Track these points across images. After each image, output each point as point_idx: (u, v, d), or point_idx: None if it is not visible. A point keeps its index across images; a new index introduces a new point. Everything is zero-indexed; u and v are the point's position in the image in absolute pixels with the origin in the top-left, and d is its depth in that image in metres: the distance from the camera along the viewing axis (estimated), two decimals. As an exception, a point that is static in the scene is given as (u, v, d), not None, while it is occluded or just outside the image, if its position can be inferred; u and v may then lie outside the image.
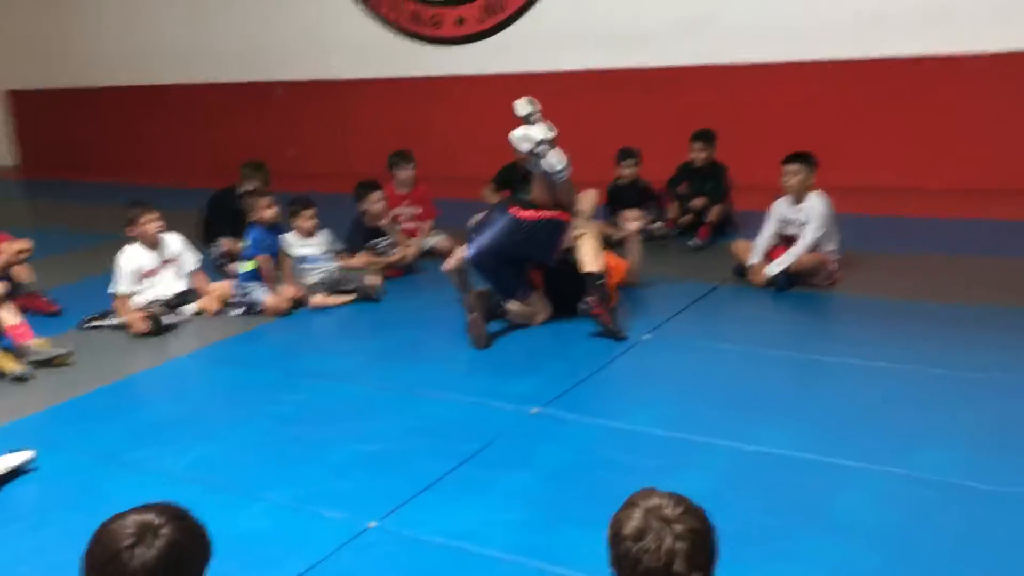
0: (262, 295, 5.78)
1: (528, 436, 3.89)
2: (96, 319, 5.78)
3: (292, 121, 11.26)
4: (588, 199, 5.26)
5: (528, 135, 4.90)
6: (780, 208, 5.86)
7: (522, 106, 5.02)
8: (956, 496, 3.19)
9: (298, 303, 5.87)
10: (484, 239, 5.05)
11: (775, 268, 5.65)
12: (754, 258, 5.80)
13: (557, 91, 9.39)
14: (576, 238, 5.04)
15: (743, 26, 8.59)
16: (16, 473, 3.75)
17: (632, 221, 5.72)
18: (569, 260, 5.10)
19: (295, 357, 5.09)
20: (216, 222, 6.89)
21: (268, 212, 5.82)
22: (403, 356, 4.96)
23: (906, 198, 7.67)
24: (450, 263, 5.62)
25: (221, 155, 10.86)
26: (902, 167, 8.04)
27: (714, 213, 6.96)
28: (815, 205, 5.70)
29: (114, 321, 5.71)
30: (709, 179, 7.12)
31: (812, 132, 8.14)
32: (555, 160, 4.86)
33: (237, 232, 6.33)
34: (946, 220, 7.07)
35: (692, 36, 8.81)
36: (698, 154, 7.10)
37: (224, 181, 7.14)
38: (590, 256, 5.01)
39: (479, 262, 5.11)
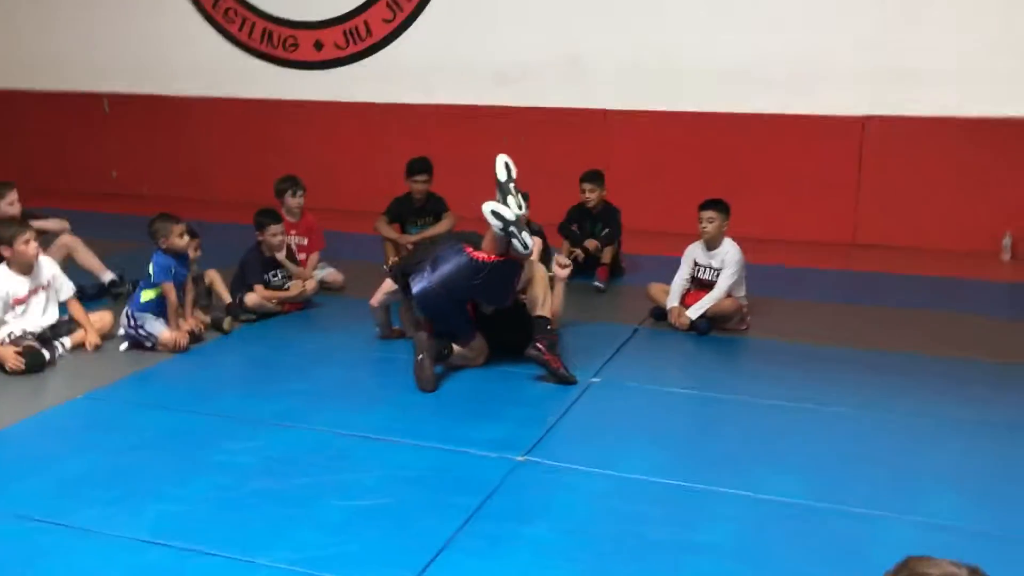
0: (157, 328, 5.20)
1: (528, 487, 3.68)
2: (-50, 353, 4.99)
3: (124, 139, 10.38)
4: (536, 243, 5.13)
5: (500, 215, 4.63)
6: (694, 253, 5.97)
7: (500, 170, 4.80)
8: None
9: (195, 338, 5.34)
10: (435, 277, 4.79)
11: (696, 312, 5.74)
12: (673, 301, 5.86)
13: (417, 123, 9.30)
14: (526, 281, 4.89)
15: (608, 70, 8.78)
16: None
17: (562, 268, 5.61)
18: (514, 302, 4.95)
19: (216, 398, 4.58)
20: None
21: (181, 241, 5.26)
22: (344, 398, 4.59)
23: (771, 248, 8.07)
24: (376, 299, 5.32)
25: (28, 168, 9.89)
26: (769, 219, 8.41)
27: (608, 254, 7.01)
28: (730, 251, 5.84)
29: (-23, 355, 4.96)
30: (600, 220, 7.17)
31: (688, 180, 8.49)
32: (525, 242, 4.67)
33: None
34: (816, 270, 7.48)
35: (562, 77, 8.91)
36: (589, 195, 7.14)
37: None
38: (540, 299, 4.87)
39: (427, 301, 4.84)
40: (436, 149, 7.61)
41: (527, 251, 4.70)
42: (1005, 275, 7.62)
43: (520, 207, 4.75)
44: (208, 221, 7.16)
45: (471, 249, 4.79)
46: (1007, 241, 8.00)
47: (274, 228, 5.87)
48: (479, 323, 5.06)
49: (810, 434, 4.24)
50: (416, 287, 4.83)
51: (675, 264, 7.03)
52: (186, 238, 5.30)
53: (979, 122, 7.92)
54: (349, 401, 4.54)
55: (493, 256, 4.73)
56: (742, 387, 4.84)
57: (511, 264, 4.79)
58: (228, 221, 8.08)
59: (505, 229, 4.62)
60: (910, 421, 4.40)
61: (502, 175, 4.79)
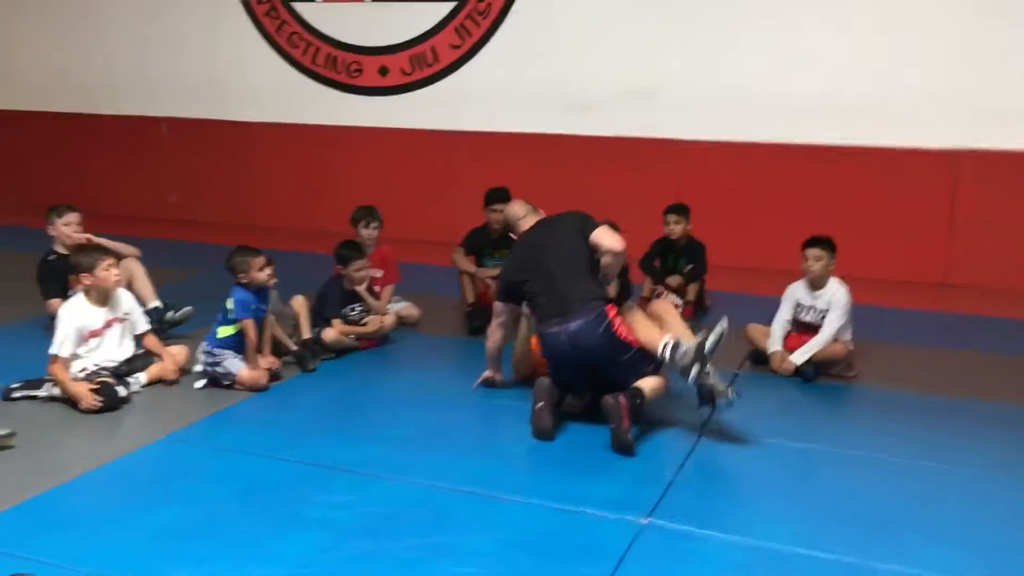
0: (236, 366, 4.92)
1: (658, 555, 3.33)
2: (21, 387, 4.75)
3: (181, 163, 10.22)
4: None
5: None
6: (797, 292, 5.62)
7: (710, 340, 4.34)
8: None
9: (274, 376, 5.06)
10: (566, 330, 4.40)
11: (801, 357, 5.37)
12: (775, 345, 5.50)
13: (484, 151, 9.04)
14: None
15: (681, 100, 8.48)
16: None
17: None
18: None
19: (303, 443, 4.26)
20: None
21: (262, 275, 4.99)
22: (441, 446, 4.27)
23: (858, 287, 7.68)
24: (492, 341, 4.96)
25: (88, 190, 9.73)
26: (856, 256, 8.04)
27: (692, 292, 6.68)
28: (838, 292, 5.48)
29: (48, 392, 4.71)
30: (684, 255, 6.84)
31: (765, 214, 8.16)
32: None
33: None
34: (908, 311, 7.09)
35: (634, 107, 8.62)
36: (674, 227, 6.81)
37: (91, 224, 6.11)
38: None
39: (553, 348, 4.50)
40: (503, 179, 7.28)
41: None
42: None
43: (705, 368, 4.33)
44: (267, 248, 6.90)
45: (614, 314, 4.45)
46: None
47: (359, 263, 5.59)
48: None
49: (955, 497, 3.86)
50: (545, 327, 4.49)
51: (758, 302, 6.72)
52: (267, 271, 5.03)
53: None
54: (447, 450, 4.22)
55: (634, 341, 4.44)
56: (865, 442, 4.45)
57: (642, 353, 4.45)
58: (288, 248, 7.84)
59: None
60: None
61: (709, 344, 4.33)
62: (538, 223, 4.89)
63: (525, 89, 8.91)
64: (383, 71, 9.47)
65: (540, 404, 4.33)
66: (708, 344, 4.31)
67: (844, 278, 5.58)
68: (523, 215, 5.03)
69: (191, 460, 4.07)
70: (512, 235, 6.09)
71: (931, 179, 7.94)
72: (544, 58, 8.80)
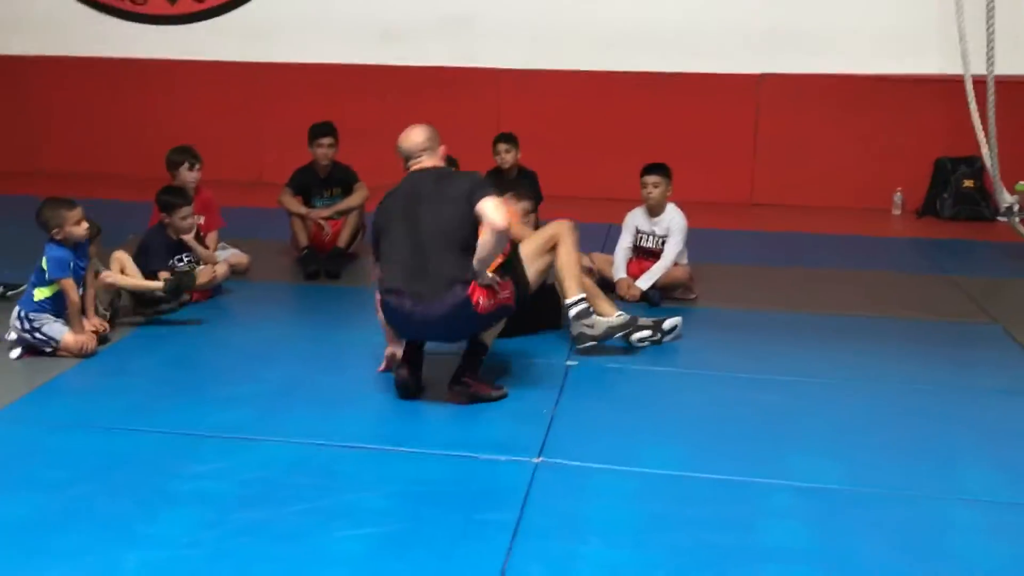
0: (58, 330, 4.44)
1: (559, 494, 3.29)
2: None
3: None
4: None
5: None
6: (636, 219, 5.71)
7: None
8: None
9: (101, 339, 4.61)
10: (414, 307, 3.94)
11: (647, 282, 5.48)
12: (620, 272, 5.59)
13: (293, 84, 8.58)
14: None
15: (497, 29, 8.37)
16: None
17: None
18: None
19: (155, 411, 3.89)
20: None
21: (79, 228, 4.47)
22: (307, 401, 4.03)
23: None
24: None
25: None
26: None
27: (532, 221, 6.64)
28: (675, 217, 5.61)
29: None
30: (519, 185, 6.78)
31: (585, 142, 8.23)
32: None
33: None
34: (722, 231, 7.39)
35: (450, 36, 8.42)
36: (505, 156, 6.72)
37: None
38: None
39: (395, 320, 4.11)
40: (320, 113, 6.91)
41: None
42: (898, 230, 7.83)
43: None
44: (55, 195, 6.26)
45: (477, 296, 3.90)
46: (898, 197, 8.20)
47: (185, 210, 5.16)
48: None
49: (818, 411, 4.05)
50: (395, 299, 3.96)
51: (591, 229, 6.81)
52: (84, 224, 4.52)
53: (870, 80, 8.03)
54: (315, 405, 3.99)
55: (498, 298, 4.01)
56: (721, 362, 4.61)
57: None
58: (82, 196, 7.13)
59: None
60: (904, 389, 4.31)
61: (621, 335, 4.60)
62: (427, 171, 4.12)
63: (336, 18, 8.49)
64: (171, -1, 8.74)
65: (398, 367, 4.11)
66: (621, 334, 4.60)
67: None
68: (420, 150, 4.14)
69: (28, 441, 3.63)
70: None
71: (737, 103, 8.27)
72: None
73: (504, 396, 4.09)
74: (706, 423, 3.91)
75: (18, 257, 5.15)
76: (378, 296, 4.08)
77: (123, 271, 4.90)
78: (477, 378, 4.07)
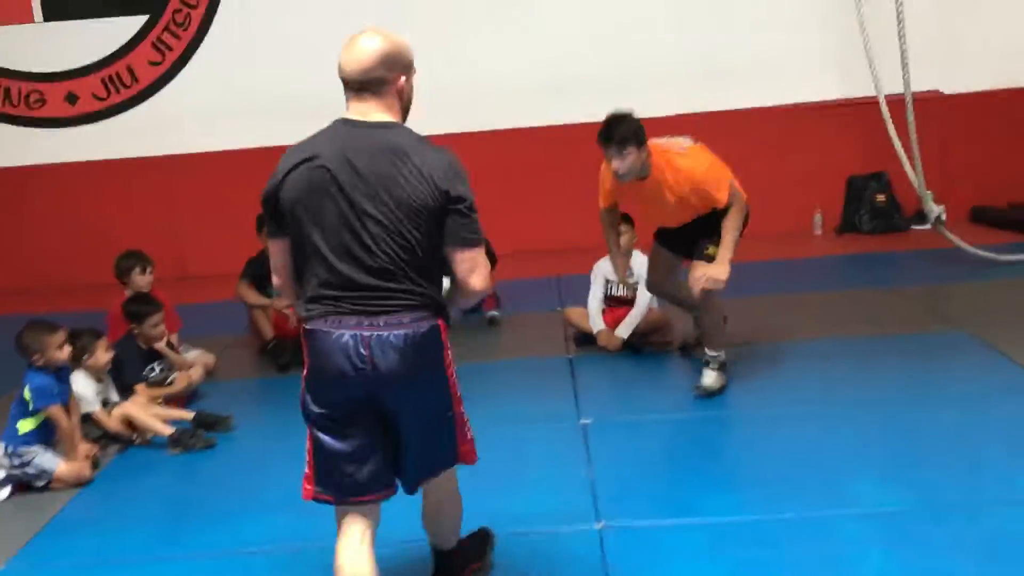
0: (51, 461, 4.16)
1: (640, 558, 3.24)
2: None
3: None
4: None
5: None
6: (604, 269, 5.76)
7: None
8: None
9: (94, 464, 4.34)
10: None
11: (626, 330, 5.53)
12: (599, 323, 5.61)
13: (204, 172, 8.34)
14: None
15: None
16: None
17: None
18: None
19: (186, 533, 3.68)
20: None
21: (61, 353, 4.21)
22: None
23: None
24: None
25: None
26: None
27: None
28: (643, 263, 5.68)
29: None
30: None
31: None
32: None
33: None
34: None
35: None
36: None
37: None
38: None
39: None
40: (235, 199, 6.68)
41: None
42: (825, 249, 8.16)
43: None
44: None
45: (447, 343, 2.64)
46: (818, 218, 8.56)
47: (156, 317, 4.94)
48: None
49: (840, 437, 4.12)
50: (325, 325, 2.56)
51: (543, 286, 6.89)
52: (66, 349, 4.27)
53: (781, 110, 8.39)
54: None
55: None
56: (725, 401, 4.67)
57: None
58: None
59: None
60: (912, 403, 4.45)
61: None
62: (366, 129, 2.54)
63: (245, 101, 8.33)
64: (71, 98, 8.43)
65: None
66: None
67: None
68: (365, 80, 2.56)
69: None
70: None
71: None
72: (261, 64, 8.27)
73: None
74: (744, 464, 3.97)
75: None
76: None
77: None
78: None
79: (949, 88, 8.27)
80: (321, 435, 2.61)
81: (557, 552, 3.33)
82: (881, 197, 8.38)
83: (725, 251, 4.59)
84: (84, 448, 4.33)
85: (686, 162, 4.58)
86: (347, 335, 2.49)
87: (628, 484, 3.85)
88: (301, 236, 2.53)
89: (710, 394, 4.67)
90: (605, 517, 3.53)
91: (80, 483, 4.17)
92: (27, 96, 8.39)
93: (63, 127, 8.45)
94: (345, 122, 2.57)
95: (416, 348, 2.52)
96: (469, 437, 2.78)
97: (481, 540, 3.21)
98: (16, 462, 4.14)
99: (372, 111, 2.56)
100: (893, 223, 8.34)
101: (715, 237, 4.62)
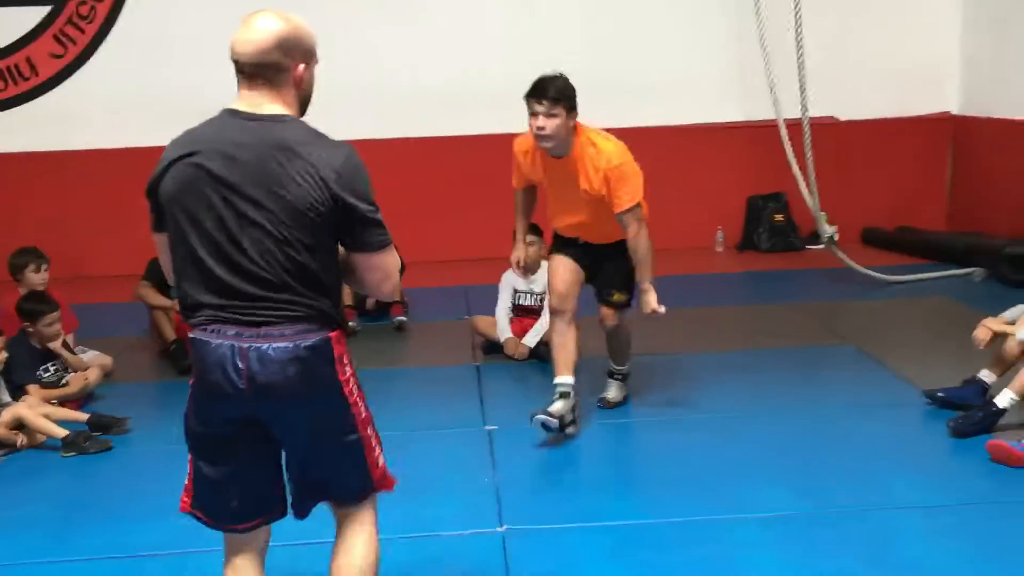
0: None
1: (542, 561, 3.30)
2: None
3: None
4: None
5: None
6: (511, 280, 5.82)
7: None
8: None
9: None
10: None
11: (533, 339, 5.60)
12: (505, 332, 5.67)
13: (97, 169, 8.12)
14: None
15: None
16: None
17: None
18: None
19: (77, 537, 3.59)
20: None
21: None
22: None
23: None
24: None
25: None
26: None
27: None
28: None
29: None
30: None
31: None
32: None
33: None
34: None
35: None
36: None
37: None
38: None
39: None
40: (128, 199, 6.47)
41: None
42: (725, 266, 8.40)
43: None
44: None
45: (343, 352, 2.42)
46: (720, 235, 8.81)
47: (51, 316, 4.81)
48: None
49: (739, 444, 4.27)
50: (205, 335, 2.36)
51: (451, 294, 6.94)
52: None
53: (684, 129, 8.60)
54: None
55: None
56: (626, 410, 4.78)
57: None
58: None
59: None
60: (806, 413, 4.63)
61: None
62: (255, 123, 2.33)
63: (150, 98, 8.14)
64: (-42, 91, 8.11)
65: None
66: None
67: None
68: (257, 64, 2.34)
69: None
70: None
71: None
72: (165, 65, 8.09)
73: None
74: (644, 470, 4.08)
75: None
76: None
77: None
78: None
79: (844, 115, 8.63)
80: (198, 460, 2.46)
81: (461, 555, 3.37)
82: (779, 216, 8.67)
83: (645, 277, 4.49)
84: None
85: (609, 145, 4.33)
86: (224, 345, 2.29)
87: (532, 489, 3.93)
88: (179, 236, 2.33)
89: (613, 405, 4.77)
90: (508, 521, 3.59)
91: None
92: (-84, 86, 8.05)
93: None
94: (232, 113, 2.34)
95: (301, 363, 2.30)
96: (381, 463, 2.51)
97: None
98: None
99: (264, 102, 2.32)
100: (789, 242, 8.64)
101: (616, 282, 4.57)
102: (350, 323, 6.26)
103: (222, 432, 2.40)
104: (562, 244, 4.62)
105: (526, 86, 4.30)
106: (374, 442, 2.49)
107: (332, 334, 2.37)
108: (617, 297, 4.59)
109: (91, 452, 4.32)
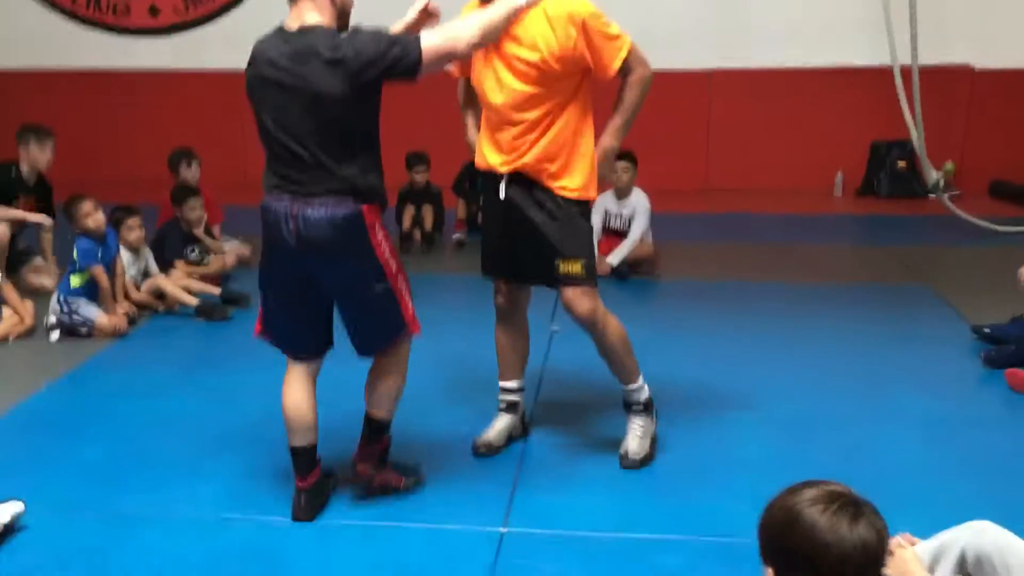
0: (93, 312, 4.92)
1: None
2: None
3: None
4: None
5: None
6: (604, 202, 6.28)
7: None
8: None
9: (131, 321, 5.10)
10: None
11: (616, 258, 6.08)
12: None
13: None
14: None
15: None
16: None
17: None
18: None
19: (195, 379, 4.43)
20: None
21: (90, 221, 4.98)
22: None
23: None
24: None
25: None
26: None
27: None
28: (641, 200, 6.21)
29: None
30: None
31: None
32: None
33: None
34: (679, 214, 8.02)
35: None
36: (416, 178, 7.15)
37: None
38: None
39: None
40: None
41: None
42: (840, 208, 8.52)
43: None
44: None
45: (375, 221, 2.98)
46: (839, 179, 8.90)
47: (193, 200, 5.68)
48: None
49: (781, 363, 4.60)
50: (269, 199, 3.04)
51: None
52: (100, 216, 5.01)
53: (809, 72, 8.70)
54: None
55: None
56: (699, 326, 5.19)
57: None
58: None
59: None
60: (855, 340, 4.92)
61: None
62: (291, 37, 2.90)
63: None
64: (153, 11, 9.18)
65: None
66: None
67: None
68: None
69: (89, 405, 4.13)
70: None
71: (691, 98, 8.91)
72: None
73: (418, 484, 3.30)
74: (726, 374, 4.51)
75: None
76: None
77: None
78: (377, 466, 3.24)
79: (981, 64, 8.48)
80: (267, 302, 3.15)
81: (463, 557, 2.94)
82: (902, 163, 8.67)
83: (618, 123, 3.39)
84: (124, 306, 5.10)
85: None
86: (282, 209, 2.91)
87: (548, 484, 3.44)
88: (259, 129, 2.99)
89: (639, 465, 3.46)
90: (513, 525, 3.10)
91: (117, 334, 4.93)
92: (114, 5, 9.17)
93: (145, 35, 9.20)
94: (278, 30, 2.93)
95: (336, 228, 2.88)
96: (411, 308, 3.11)
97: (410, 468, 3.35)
98: (65, 308, 4.92)
99: (303, 14, 2.86)
100: (911, 189, 8.63)
101: (558, 244, 3.24)
102: (457, 235, 6.91)
103: (286, 287, 3.08)
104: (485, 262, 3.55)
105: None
106: (404, 292, 3.09)
107: (364, 206, 2.94)
108: (568, 266, 3.25)
109: (215, 319, 5.16)
